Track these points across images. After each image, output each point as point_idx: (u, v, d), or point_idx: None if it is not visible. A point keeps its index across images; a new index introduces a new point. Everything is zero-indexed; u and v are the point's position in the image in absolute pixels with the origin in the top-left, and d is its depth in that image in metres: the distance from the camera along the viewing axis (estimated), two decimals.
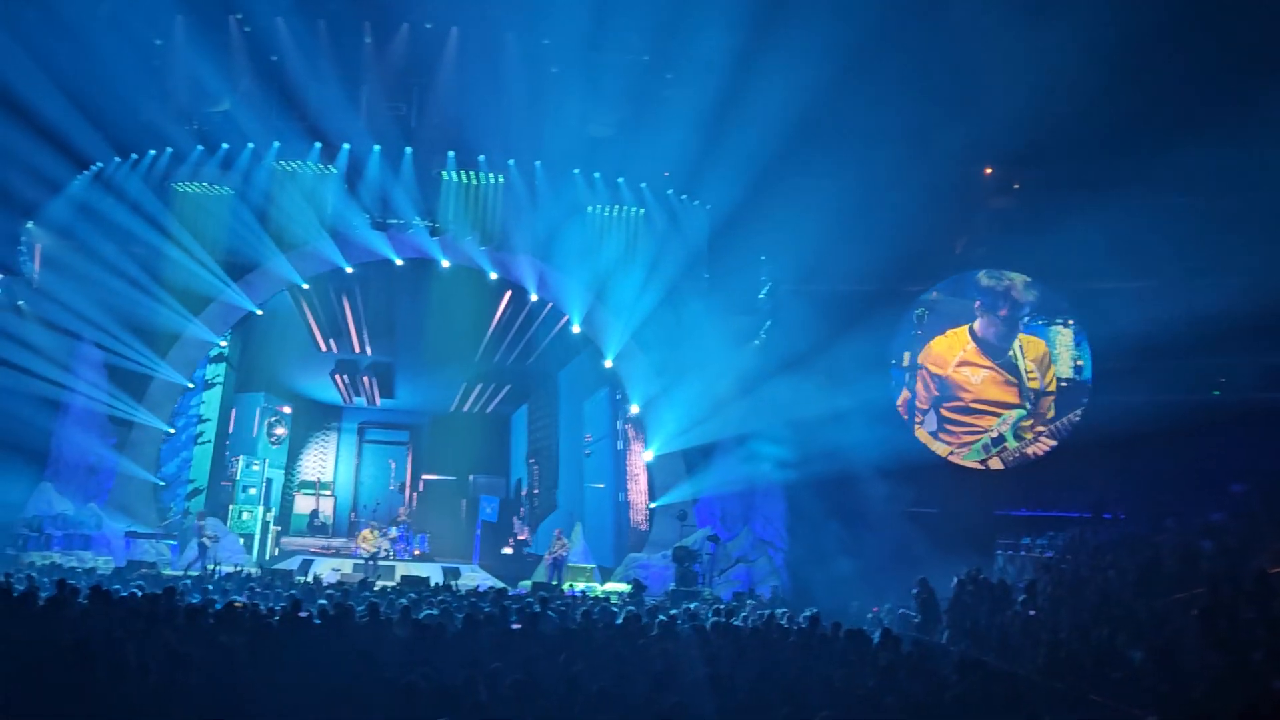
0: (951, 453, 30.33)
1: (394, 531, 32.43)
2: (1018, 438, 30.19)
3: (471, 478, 43.35)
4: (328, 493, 46.11)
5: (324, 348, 39.55)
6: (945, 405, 30.61)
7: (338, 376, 41.94)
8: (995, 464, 30.22)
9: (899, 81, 26.85)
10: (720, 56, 26.82)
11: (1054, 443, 30.13)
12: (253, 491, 33.79)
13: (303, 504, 45.08)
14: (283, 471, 42.13)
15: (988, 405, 30.47)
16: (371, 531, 32.44)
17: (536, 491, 39.64)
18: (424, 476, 45.02)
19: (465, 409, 44.61)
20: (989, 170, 29.99)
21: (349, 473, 47.41)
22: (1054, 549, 26.47)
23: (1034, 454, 30.20)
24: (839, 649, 15.57)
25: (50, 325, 28.71)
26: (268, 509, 35.26)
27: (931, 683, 12.96)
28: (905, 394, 30.79)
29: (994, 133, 27.62)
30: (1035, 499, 28.54)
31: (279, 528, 37.13)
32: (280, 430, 41.92)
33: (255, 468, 34.73)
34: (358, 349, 39.88)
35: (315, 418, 46.72)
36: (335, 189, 29.62)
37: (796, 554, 28.72)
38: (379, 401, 44.62)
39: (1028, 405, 30.28)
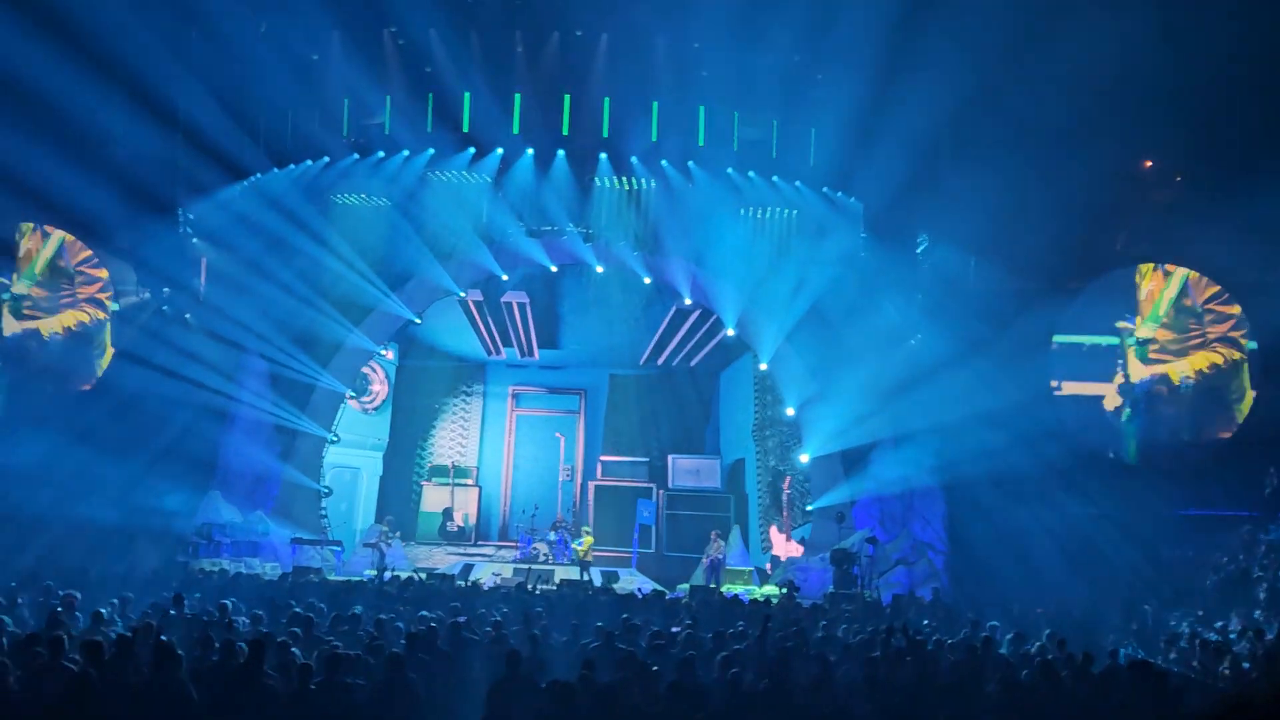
0: None
1: (552, 535, 32.39)
2: None
3: (670, 459, 36.05)
4: (469, 481, 37.45)
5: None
6: None
7: (472, 305, 34.68)
8: None
9: (1056, 73, 26.44)
10: (872, 54, 26.70)
11: None
12: None
13: (433, 498, 36.70)
14: (380, 455, 37.02)
15: None
16: (589, 535, 31.21)
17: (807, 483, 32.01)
18: (602, 458, 37.12)
19: (659, 362, 36.85)
20: (1149, 163, 29.40)
21: (498, 454, 38.86)
22: (1223, 548, 25.95)
23: None
24: (998, 654, 15.44)
25: (216, 337, 29.55)
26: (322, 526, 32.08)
27: (1095, 684, 12.84)
28: None
29: (1155, 123, 27.20)
30: (1203, 498, 28.02)
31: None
32: (378, 387, 36.72)
33: None
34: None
35: (448, 376, 39.06)
36: (489, 197, 30.07)
37: (957, 556, 28.37)
38: (537, 354, 37.50)
39: None
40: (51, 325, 31.18)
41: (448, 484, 36.83)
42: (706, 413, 38.04)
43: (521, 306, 34.71)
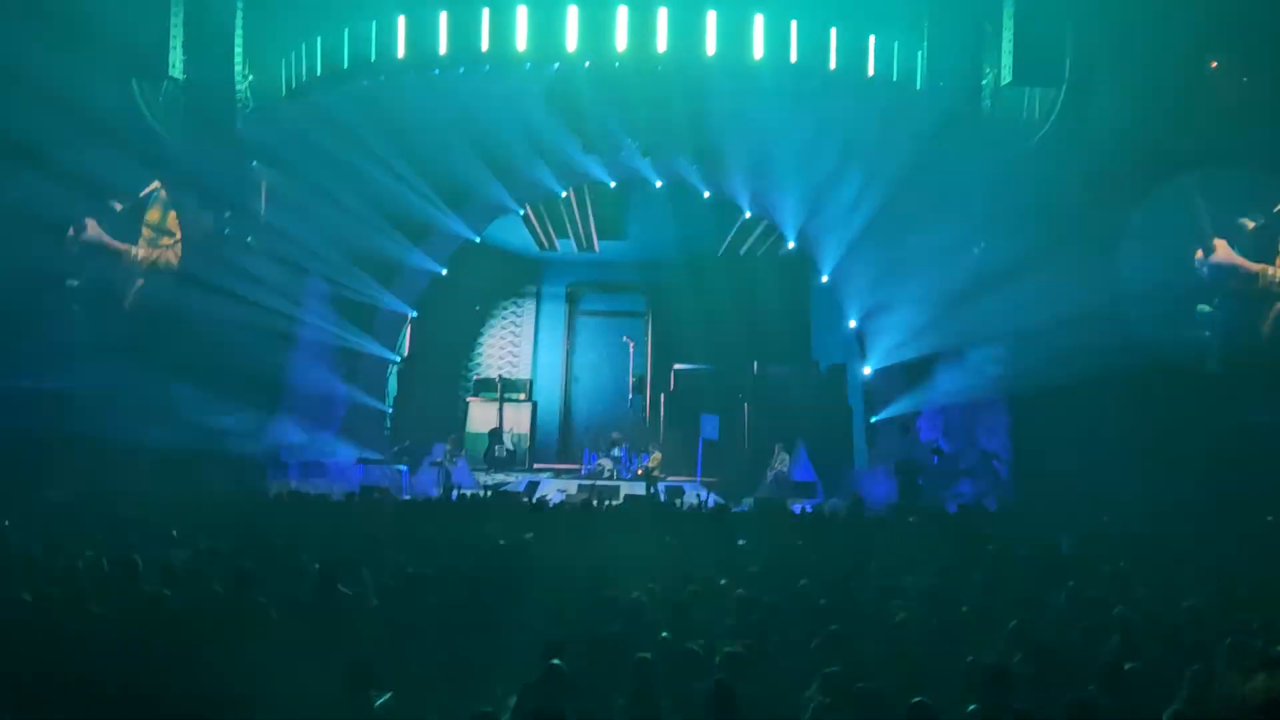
0: None
1: (617, 451, 32.37)
2: None
3: (755, 365, 33.29)
4: (521, 397, 34.69)
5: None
6: None
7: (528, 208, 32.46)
8: None
9: None
10: None
11: None
12: None
13: (480, 416, 34.18)
14: (393, 370, 33.51)
15: None
16: (657, 452, 30.84)
17: None
18: (676, 366, 34.28)
19: (742, 252, 33.96)
20: (1215, 64, 28.91)
21: (554, 364, 36.39)
22: None
23: None
24: (1066, 564, 15.54)
25: (278, 259, 29.70)
26: None
27: (1166, 589, 12.92)
28: None
29: (1222, 22, 26.81)
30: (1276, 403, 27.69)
31: None
32: None
33: None
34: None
35: (497, 276, 36.12)
36: (545, 112, 29.73)
37: (1023, 465, 28.34)
38: (598, 246, 34.34)
39: None
40: (140, 255, 31.38)
41: (495, 398, 34.17)
42: (799, 311, 34.75)
43: (579, 208, 32.22)
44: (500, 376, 35.22)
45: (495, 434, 33.48)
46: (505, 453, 33.39)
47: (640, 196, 32.81)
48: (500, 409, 34.16)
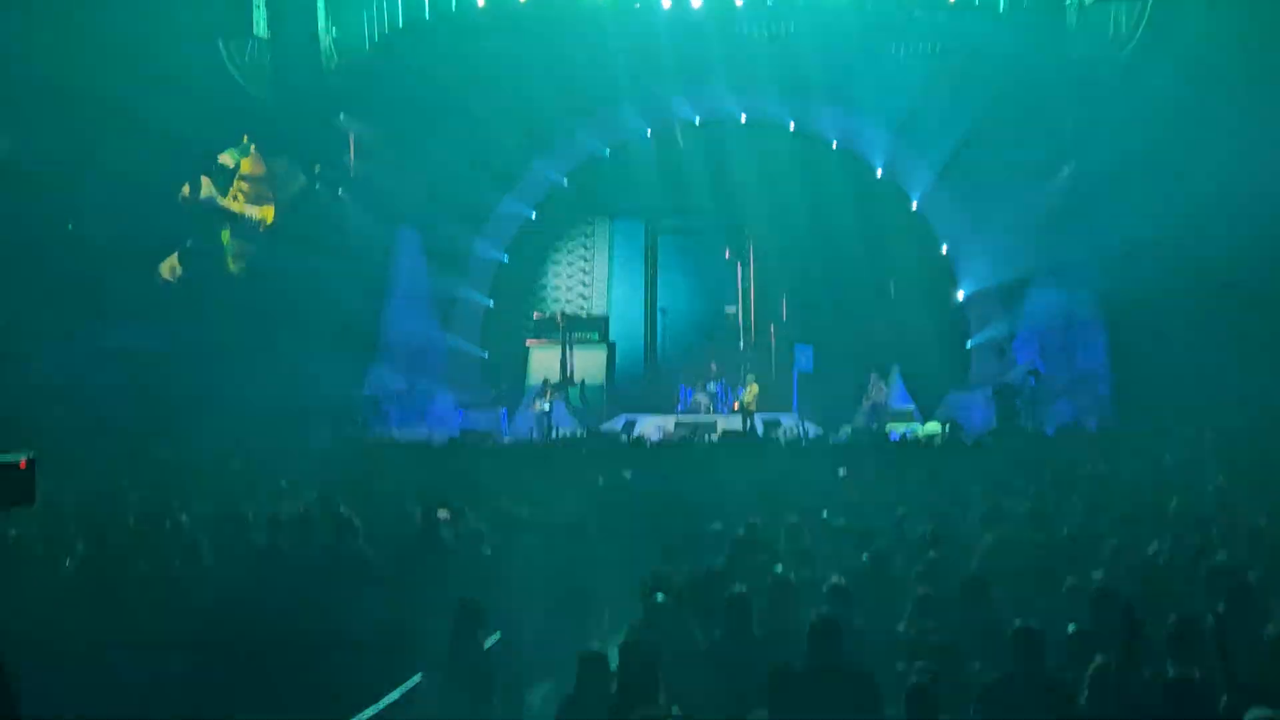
0: None
1: (712, 386, 32.15)
2: None
3: (892, 285, 30.92)
4: (595, 339, 31.12)
5: None
6: None
7: None
8: None
9: None
10: None
11: None
12: None
13: (542, 363, 30.63)
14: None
15: None
16: (754, 384, 29.79)
17: None
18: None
19: (829, 182, 30.59)
20: None
21: (636, 294, 32.69)
22: None
23: None
24: (1170, 477, 15.43)
25: (370, 210, 29.83)
26: None
27: (1270, 504, 12.80)
28: None
29: None
30: None
31: None
32: None
33: None
34: None
35: (560, 194, 33.06)
36: (629, 52, 29.57)
37: (1122, 384, 27.97)
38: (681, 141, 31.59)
39: None
40: (252, 211, 31.67)
41: (558, 344, 30.42)
42: (889, 238, 31.36)
43: None
44: (563, 312, 31.74)
45: (558, 387, 30.15)
46: (575, 407, 30.05)
47: (723, 132, 32.19)
48: (564, 353, 30.61)
